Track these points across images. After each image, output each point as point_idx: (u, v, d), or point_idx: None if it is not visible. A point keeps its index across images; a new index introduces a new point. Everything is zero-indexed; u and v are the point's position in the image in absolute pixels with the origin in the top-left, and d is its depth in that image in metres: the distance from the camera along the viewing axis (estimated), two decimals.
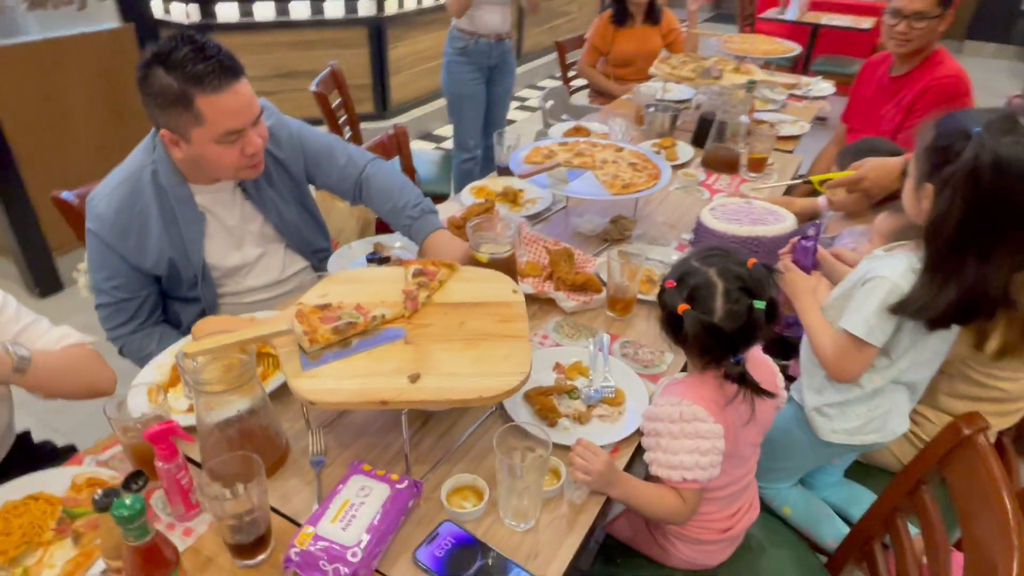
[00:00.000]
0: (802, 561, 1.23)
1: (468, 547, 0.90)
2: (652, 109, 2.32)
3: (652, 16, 3.16)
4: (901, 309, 1.05)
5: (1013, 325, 1.10)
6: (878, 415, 1.21)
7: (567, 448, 1.02)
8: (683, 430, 1.00)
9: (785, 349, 1.59)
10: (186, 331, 1.42)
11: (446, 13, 4.19)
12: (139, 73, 1.20)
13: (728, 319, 0.96)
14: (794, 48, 2.93)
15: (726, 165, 2.14)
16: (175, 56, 1.16)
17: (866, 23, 4.68)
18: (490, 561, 0.88)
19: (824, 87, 2.95)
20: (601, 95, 3.34)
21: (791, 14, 4.83)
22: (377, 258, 1.34)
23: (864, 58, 2.69)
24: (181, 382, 1.15)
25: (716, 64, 2.45)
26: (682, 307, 0.98)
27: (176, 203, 1.33)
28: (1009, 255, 0.99)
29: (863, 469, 1.42)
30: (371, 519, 0.88)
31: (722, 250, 1.05)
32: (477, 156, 3.12)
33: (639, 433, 1.08)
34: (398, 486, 0.93)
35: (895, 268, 1.08)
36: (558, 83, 3.35)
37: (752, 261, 1.00)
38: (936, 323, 1.06)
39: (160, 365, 1.19)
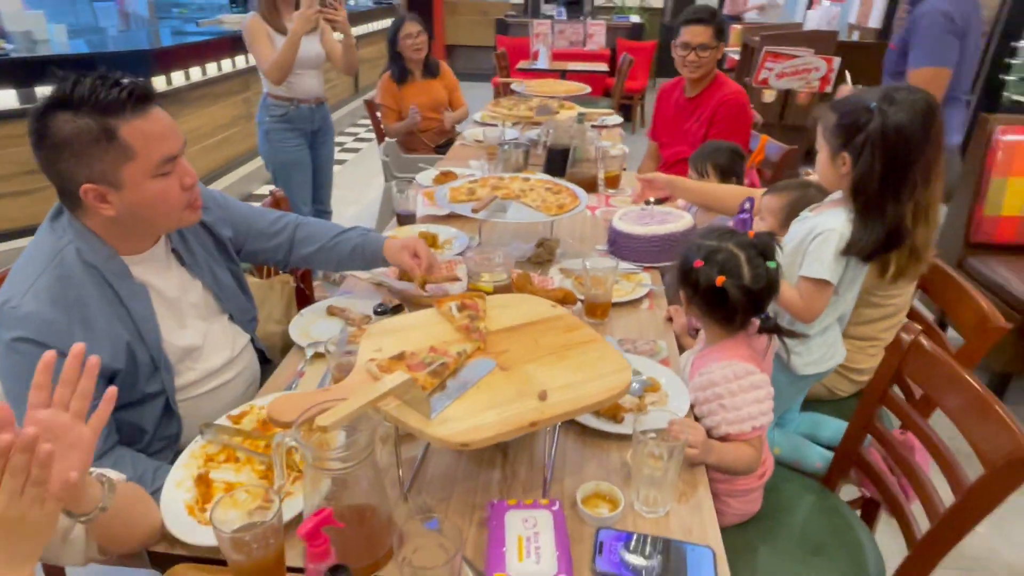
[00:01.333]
0: (809, 487, 1.43)
1: (637, 543, 0.91)
2: (506, 147, 2.49)
3: (430, 70, 3.36)
4: (849, 250, 1.33)
5: (904, 251, 1.44)
6: (830, 344, 1.48)
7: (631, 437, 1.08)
8: (740, 386, 1.13)
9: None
10: (157, 449, 1.18)
11: (215, 88, 3.97)
12: (34, 130, 1.02)
13: (755, 280, 1.13)
14: (586, 88, 3.35)
15: (587, 185, 2.37)
16: (79, 92, 1.01)
17: (603, 67, 5.51)
18: (664, 548, 0.91)
19: (614, 119, 3.41)
20: (416, 148, 3.44)
21: (542, 63, 5.46)
22: (388, 309, 1.26)
23: (600, 96, 3.23)
24: (214, 495, 0.96)
25: (545, 103, 2.72)
26: (720, 279, 1.12)
27: (113, 279, 1.11)
28: (910, 193, 1.31)
29: (805, 404, 1.69)
30: (554, 546, 0.85)
31: (722, 230, 1.22)
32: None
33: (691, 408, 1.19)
34: (553, 508, 0.91)
35: (837, 220, 1.35)
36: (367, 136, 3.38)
37: (752, 232, 1.19)
38: (870, 256, 1.35)
39: (179, 482, 0.98)
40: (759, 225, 1.76)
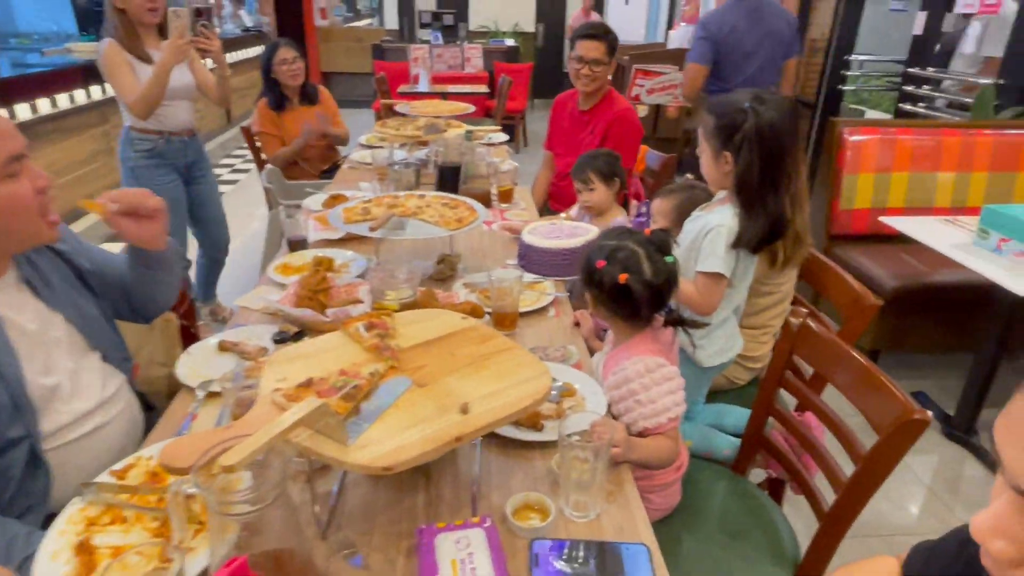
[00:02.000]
0: (720, 474, 1.49)
1: (571, 551, 0.89)
2: (397, 167, 2.44)
3: (308, 97, 3.25)
4: (738, 243, 1.40)
5: (789, 238, 1.54)
6: (730, 335, 1.55)
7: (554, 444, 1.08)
8: (653, 379, 1.15)
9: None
10: (23, 508, 1.03)
11: (67, 121, 3.65)
12: None
13: (655, 275, 1.16)
14: (470, 107, 3.37)
15: (482, 199, 2.37)
16: None
17: (483, 88, 5.59)
18: (599, 552, 0.89)
19: (501, 136, 3.45)
20: (298, 177, 3.30)
21: (423, 86, 5.46)
22: (289, 336, 1.17)
23: (482, 117, 3.29)
24: (98, 563, 0.85)
25: (433, 122, 2.70)
26: (623, 276, 1.14)
27: None
28: (786, 184, 1.41)
29: (708, 396, 1.76)
30: (490, 564, 0.81)
31: (622, 230, 1.25)
32: (188, 262, 2.77)
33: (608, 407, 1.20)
34: (484, 525, 0.87)
35: (725, 216, 1.42)
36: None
37: (648, 231, 1.23)
38: (757, 248, 1.43)
39: (55, 553, 0.85)
40: (653, 227, 1.83)
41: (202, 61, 2.66)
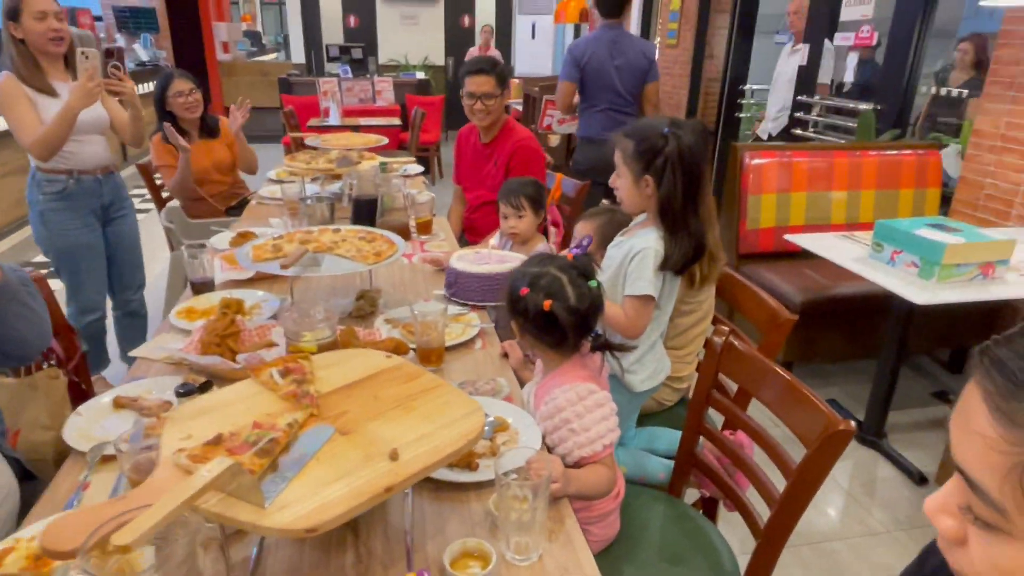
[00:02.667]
0: (657, 498, 1.47)
1: None
2: (309, 201, 2.35)
3: (208, 130, 3.08)
4: (665, 265, 1.42)
5: (704, 257, 1.57)
6: (658, 358, 1.56)
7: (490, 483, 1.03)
8: (586, 407, 1.13)
9: None
10: None
11: None
12: None
13: (580, 300, 1.15)
14: (383, 139, 3.31)
15: (400, 232, 2.30)
16: None
17: (396, 121, 5.54)
18: None
19: (416, 167, 3.41)
20: (202, 214, 3.12)
21: (333, 120, 5.36)
22: (195, 388, 1.07)
23: (396, 149, 3.26)
24: None
25: (345, 155, 2.63)
26: (547, 303, 1.12)
27: None
28: (704, 205, 1.44)
29: (638, 419, 1.76)
30: None
31: (543, 256, 1.24)
32: (104, 313, 2.53)
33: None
34: None
35: (650, 239, 1.43)
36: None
37: (570, 255, 1.22)
38: (682, 269, 1.45)
39: None
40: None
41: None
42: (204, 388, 1.09)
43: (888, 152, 3.22)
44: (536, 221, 2.14)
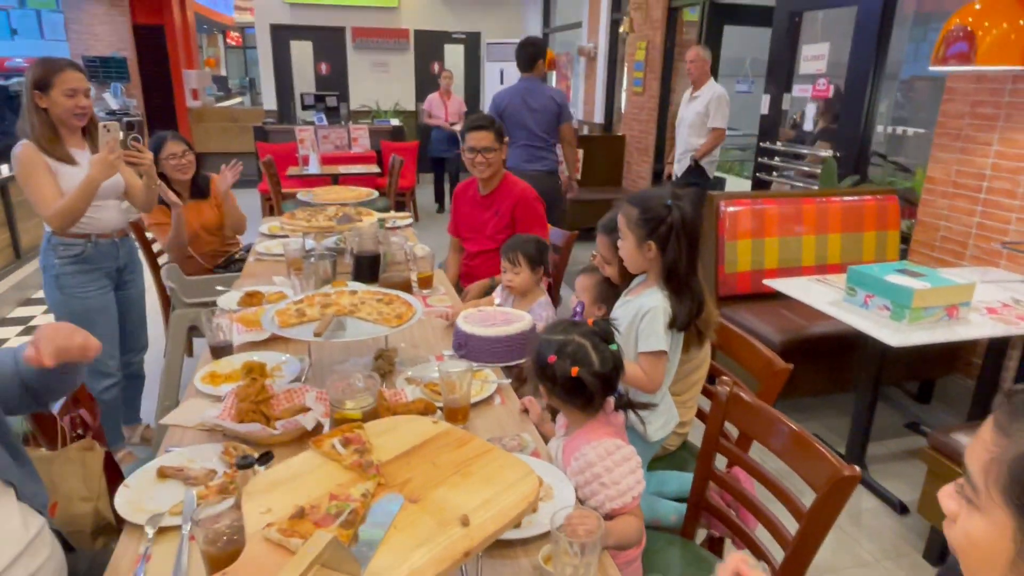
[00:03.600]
0: (671, 541, 1.56)
1: None
2: (312, 259, 2.41)
3: (200, 191, 3.12)
4: (674, 324, 1.53)
5: (702, 317, 1.69)
6: (668, 408, 1.67)
7: (542, 537, 1.11)
8: (614, 461, 1.22)
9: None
10: None
11: None
12: None
13: (603, 364, 1.26)
14: (373, 192, 3.41)
15: (402, 288, 2.39)
16: None
17: (375, 168, 5.66)
18: None
19: (407, 220, 3.51)
20: (191, 271, 3.15)
21: (313, 168, 5.44)
22: (254, 460, 1.12)
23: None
24: None
25: (346, 212, 2.71)
26: (575, 370, 1.23)
27: None
28: (700, 268, 1.58)
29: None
30: None
31: (564, 323, 1.34)
32: (119, 378, 2.53)
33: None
34: None
35: (656, 299, 1.55)
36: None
37: (591, 320, 1.32)
38: (686, 327, 1.57)
39: None
40: (576, 302, 1.96)
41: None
42: (264, 459, 1.15)
43: (850, 199, 3.45)
44: (534, 277, 2.25)
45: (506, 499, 0.95)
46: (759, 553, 1.42)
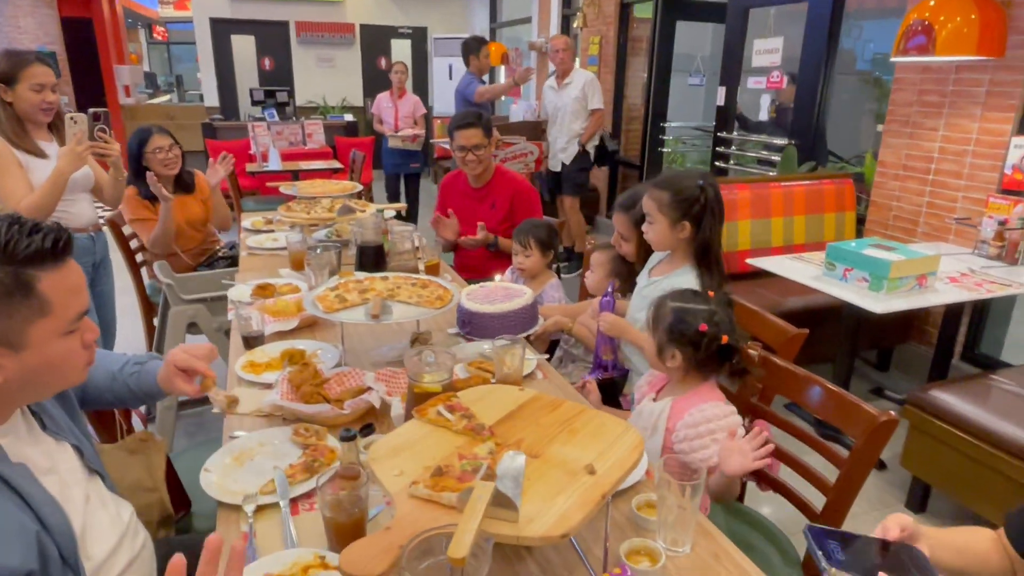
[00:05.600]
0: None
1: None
2: (319, 251, 2.40)
3: (184, 186, 3.07)
4: None
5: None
6: None
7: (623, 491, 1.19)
8: (728, 423, 1.34)
9: (614, 389, 1.98)
10: None
11: None
12: None
13: (735, 331, 1.37)
14: (358, 185, 3.39)
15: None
16: None
17: (336, 164, 5.59)
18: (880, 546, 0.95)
19: (390, 212, 3.50)
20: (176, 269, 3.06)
21: (274, 165, 5.32)
22: (356, 433, 1.15)
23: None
24: None
25: (346, 201, 2.70)
26: (725, 338, 1.35)
27: None
28: None
29: None
30: None
31: (689, 293, 1.44)
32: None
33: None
34: (627, 574, 0.95)
35: (689, 279, 1.66)
36: None
37: (711, 293, 1.42)
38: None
39: None
40: (591, 277, 2.05)
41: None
42: (367, 431, 1.18)
43: (811, 182, 3.68)
44: (543, 260, 2.32)
45: (620, 449, 1.03)
46: (793, 498, 1.54)
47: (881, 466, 2.70)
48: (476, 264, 2.92)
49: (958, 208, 3.26)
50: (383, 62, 9.39)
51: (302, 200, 2.82)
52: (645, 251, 1.90)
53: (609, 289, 1.78)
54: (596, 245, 2.07)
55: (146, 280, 3.11)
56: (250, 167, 5.36)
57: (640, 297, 1.78)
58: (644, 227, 1.74)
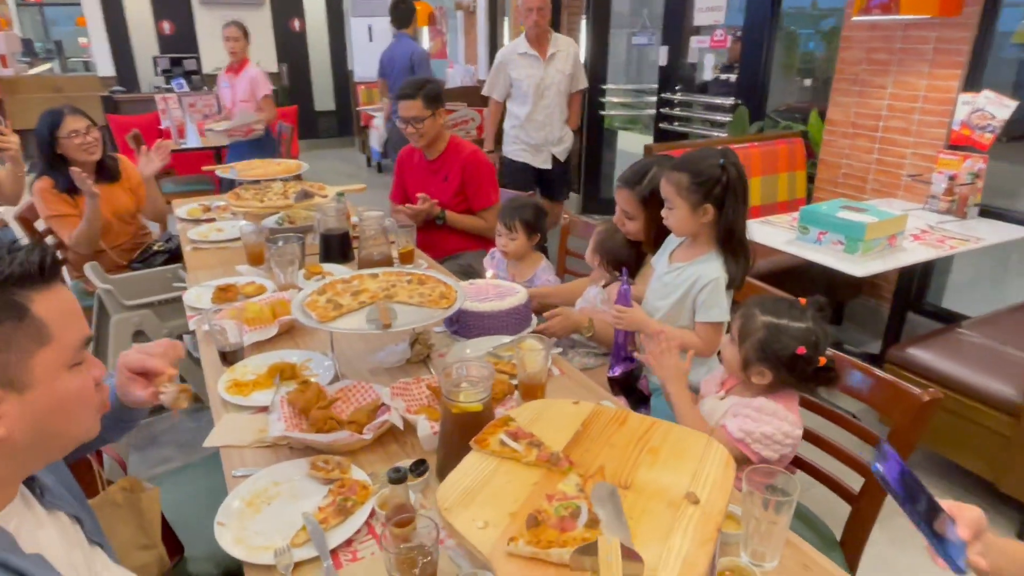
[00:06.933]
0: None
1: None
2: (280, 243, 2.18)
3: (107, 174, 2.71)
4: (731, 285, 1.57)
5: None
6: (714, 362, 1.72)
7: None
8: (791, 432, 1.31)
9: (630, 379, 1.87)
10: None
11: None
12: None
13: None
14: (304, 165, 3.11)
15: (384, 264, 2.24)
16: None
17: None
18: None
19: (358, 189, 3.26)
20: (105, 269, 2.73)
21: (193, 141, 4.86)
22: (406, 471, 1.00)
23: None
24: None
25: (304, 188, 2.46)
26: (823, 360, 1.28)
27: (8, 558, 0.70)
28: None
29: None
30: None
31: (786, 304, 1.35)
32: None
33: None
34: None
35: (716, 268, 1.58)
36: None
37: (803, 301, 1.34)
38: (740, 286, 1.62)
39: None
40: (590, 258, 1.95)
41: None
42: (418, 467, 1.04)
43: (765, 143, 3.69)
44: (529, 243, 2.20)
45: (712, 469, 0.94)
46: (835, 485, 1.51)
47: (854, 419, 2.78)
48: (440, 241, 2.74)
49: (907, 164, 3.35)
50: (297, 24, 8.78)
51: (249, 187, 2.54)
52: (657, 231, 1.79)
53: (623, 279, 1.67)
54: (594, 233, 1.97)
55: (69, 283, 2.76)
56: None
57: (661, 284, 1.69)
58: (663, 212, 1.64)
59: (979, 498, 2.32)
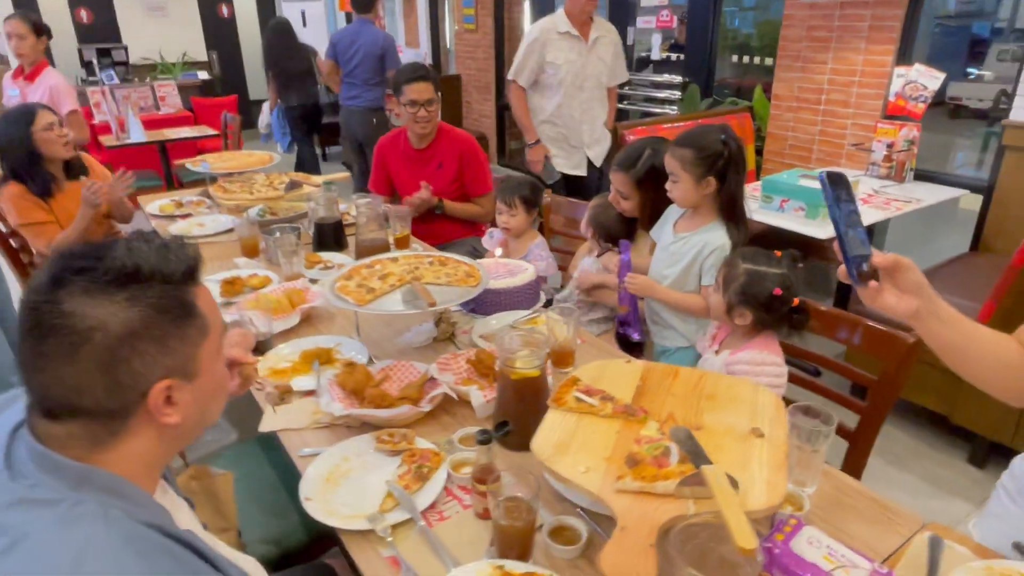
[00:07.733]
0: None
1: None
2: (277, 234, 2.19)
3: (73, 170, 2.59)
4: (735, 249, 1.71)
5: None
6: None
7: None
8: (777, 371, 1.43)
9: (630, 345, 1.99)
10: None
11: None
12: (56, 330, 0.66)
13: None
14: (276, 156, 3.08)
15: (380, 249, 2.28)
16: (145, 262, 0.70)
17: (211, 131, 5.02)
18: None
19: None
20: None
21: (136, 136, 4.67)
22: (492, 434, 1.08)
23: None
24: None
25: (294, 179, 2.46)
26: (796, 300, 1.41)
27: (201, 545, 0.75)
28: None
29: None
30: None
31: (760, 254, 1.48)
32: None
33: None
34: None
35: (721, 236, 1.72)
36: None
37: (779, 253, 1.46)
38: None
39: None
40: (584, 229, 2.07)
41: None
42: (501, 427, 1.12)
43: (718, 119, 3.88)
44: (528, 219, 2.28)
45: (767, 408, 1.07)
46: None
47: (816, 373, 3.02)
48: (437, 228, 2.77)
49: (848, 135, 3.61)
50: (225, 9, 8.46)
51: (236, 179, 2.52)
52: (652, 208, 1.92)
53: (624, 248, 1.79)
54: (590, 207, 2.08)
55: None
56: (107, 141, 4.67)
57: (668, 253, 1.81)
58: (668, 185, 1.76)
59: (934, 432, 2.59)
